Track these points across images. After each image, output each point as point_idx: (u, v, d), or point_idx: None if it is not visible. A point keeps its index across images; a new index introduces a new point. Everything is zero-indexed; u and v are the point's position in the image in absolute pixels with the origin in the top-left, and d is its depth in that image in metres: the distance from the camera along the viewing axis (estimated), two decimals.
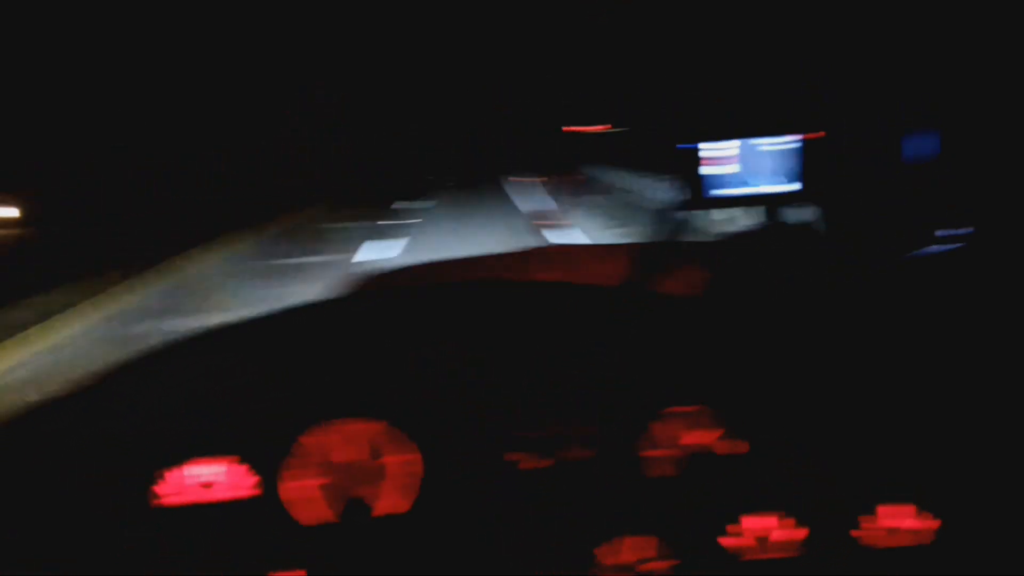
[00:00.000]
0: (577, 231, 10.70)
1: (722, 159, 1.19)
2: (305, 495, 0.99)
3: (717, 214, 1.30)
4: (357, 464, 1.01)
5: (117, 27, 18.20)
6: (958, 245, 1.13)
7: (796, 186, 1.19)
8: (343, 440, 1.01)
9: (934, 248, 1.15)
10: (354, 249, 11.35)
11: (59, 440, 1.00)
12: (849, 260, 1.23)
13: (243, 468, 0.98)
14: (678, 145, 1.18)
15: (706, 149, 1.19)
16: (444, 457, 1.01)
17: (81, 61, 17.05)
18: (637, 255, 1.38)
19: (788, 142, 1.17)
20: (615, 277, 1.36)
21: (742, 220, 1.36)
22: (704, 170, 1.19)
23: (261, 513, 0.98)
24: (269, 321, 1.11)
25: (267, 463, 0.99)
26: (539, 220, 2.97)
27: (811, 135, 1.17)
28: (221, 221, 16.02)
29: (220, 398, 1.04)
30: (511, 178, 19.02)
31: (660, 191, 14.46)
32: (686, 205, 1.22)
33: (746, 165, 1.19)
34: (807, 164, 1.18)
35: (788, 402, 1.01)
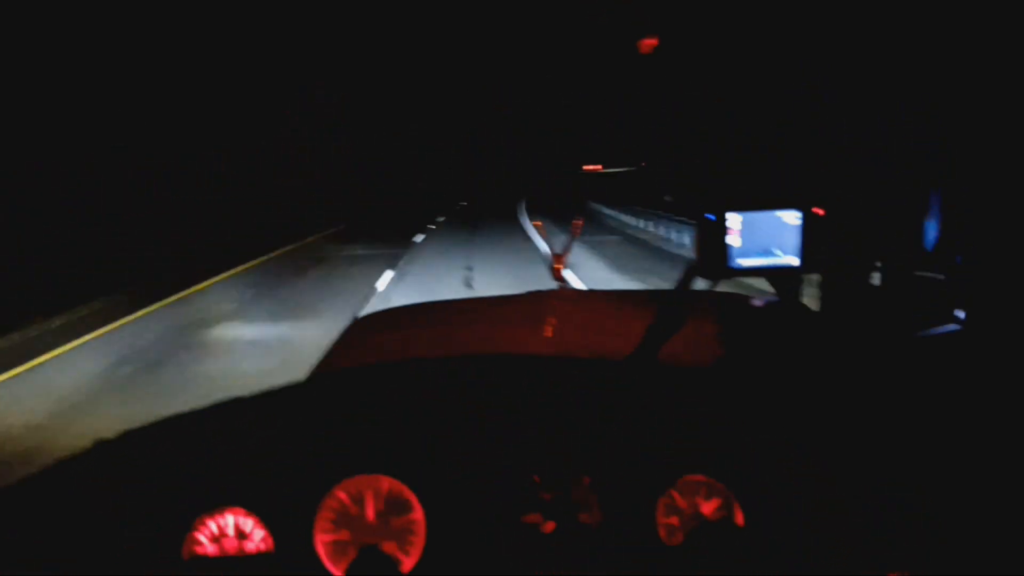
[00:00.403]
0: (592, 271, 10.94)
1: (747, 230, 1.20)
2: (321, 548, 1.05)
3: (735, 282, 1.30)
4: (369, 519, 1.06)
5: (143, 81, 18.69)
6: (967, 325, 1.12)
7: (816, 259, 1.20)
8: (359, 496, 1.07)
9: (949, 327, 1.15)
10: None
11: (101, 484, 1.05)
12: (862, 336, 1.23)
13: (264, 522, 1.05)
14: (705, 214, 1.20)
15: (733, 219, 1.20)
16: (452, 515, 1.05)
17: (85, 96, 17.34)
18: (655, 308, 1.39)
19: (812, 216, 1.19)
20: (629, 328, 1.37)
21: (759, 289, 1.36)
22: (729, 240, 1.21)
23: (284, 565, 1.05)
24: (294, 390, 1.18)
25: (287, 518, 1.05)
26: (555, 258, 2.97)
27: (833, 210, 1.18)
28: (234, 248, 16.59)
29: (247, 457, 1.10)
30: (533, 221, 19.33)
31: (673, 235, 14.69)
32: (709, 274, 1.23)
33: (770, 237, 1.20)
34: (829, 239, 1.19)
35: (795, 476, 1.02)
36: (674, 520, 1.04)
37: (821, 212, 1.20)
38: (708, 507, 1.04)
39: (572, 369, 1.20)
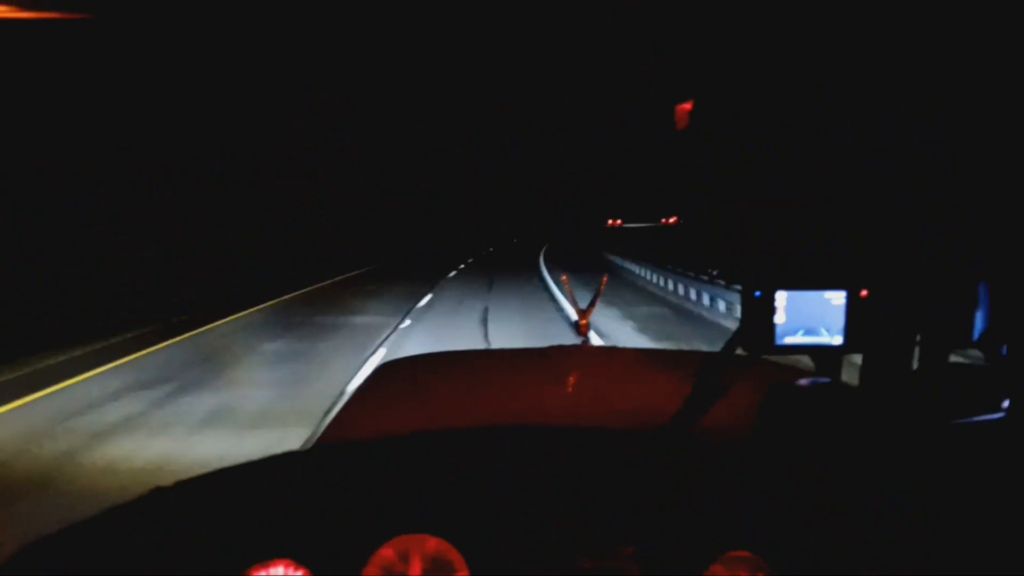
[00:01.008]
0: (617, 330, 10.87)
1: (792, 308, 1.23)
2: None
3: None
4: None
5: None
6: (1011, 416, 1.13)
7: (859, 340, 1.22)
8: (405, 553, 1.08)
9: (992, 416, 1.15)
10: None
11: (153, 532, 1.07)
12: (902, 418, 1.23)
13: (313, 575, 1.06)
14: (754, 293, 1.23)
15: (779, 298, 1.23)
16: None
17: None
18: (681, 370, 1.41)
19: (857, 298, 1.22)
20: (654, 390, 1.38)
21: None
22: (777, 319, 1.23)
23: None
24: (343, 448, 1.25)
25: (338, 572, 1.07)
26: (579, 313, 2.99)
27: (879, 292, 1.21)
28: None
29: (298, 509, 1.12)
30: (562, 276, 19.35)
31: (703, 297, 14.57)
32: (753, 350, 1.26)
33: (815, 316, 1.23)
34: (873, 320, 1.21)
35: (838, 555, 1.01)
36: None
37: (866, 294, 1.22)
38: None
39: (612, 439, 1.22)
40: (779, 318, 1.23)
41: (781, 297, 1.23)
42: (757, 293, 1.23)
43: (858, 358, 1.30)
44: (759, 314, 1.23)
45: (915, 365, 1.25)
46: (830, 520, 1.05)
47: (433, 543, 1.09)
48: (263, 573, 1.08)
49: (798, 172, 1.33)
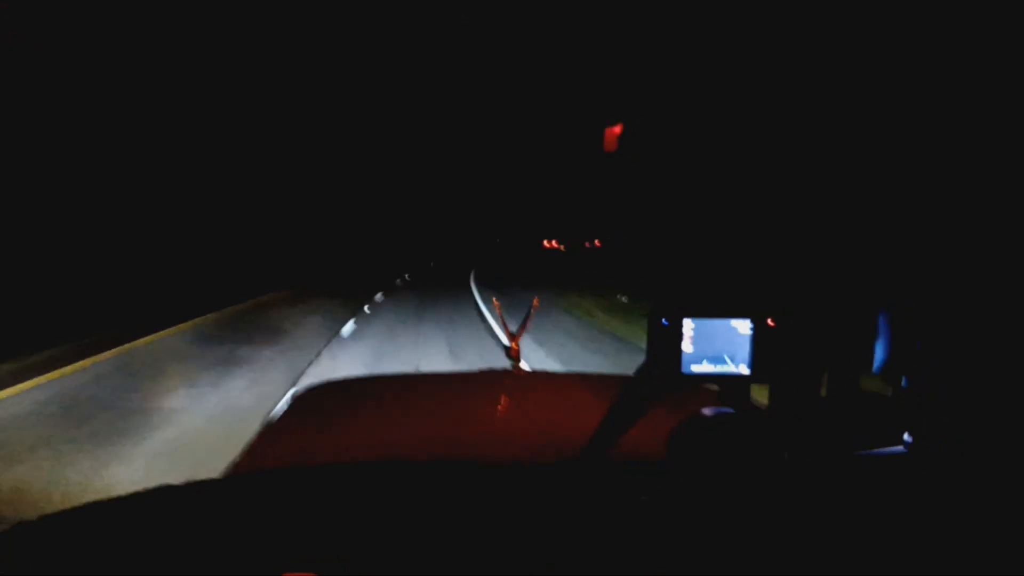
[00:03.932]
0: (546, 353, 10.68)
1: (700, 336, 1.20)
2: None
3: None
4: None
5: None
6: (912, 450, 1.13)
7: (766, 370, 1.21)
8: None
9: (894, 449, 1.14)
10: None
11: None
12: (805, 450, 1.22)
13: None
14: (662, 320, 1.20)
15: (686, 326, 1.20)
16: None
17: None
18: (603, 391, 1.38)
19: (763, 326, 1.20)
20: (582, 415, 1.36)
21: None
22: (685, 347, 1.20)
23: None
24: (228, 482, 1.12)
25: None
26: (510, 337, 2.95)
27: (784, 322, 1.20)
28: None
29: (172, 549, 1.04)
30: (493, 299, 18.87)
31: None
32: (660, 378, 1.23)
33: (722, 345, 1.21)
34: (779, 350, 1.20)
35: None
36: None
37: (772, 323, 1.21)
38: None
39: (517, 473, 1.17)
40: (686, 346, 1.20)
41: (688, 325, 1.20)
42: (664, 321, 1.20)
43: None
44: (666, 342, 1.20)
45: (822, 395, 1.24)
46: (735, 548, 1.02)
47: None
48: None
49: (707, 202, 1.32)
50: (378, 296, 20.00)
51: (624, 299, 16.66)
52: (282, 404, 2.29)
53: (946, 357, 1.05)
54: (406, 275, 30.47)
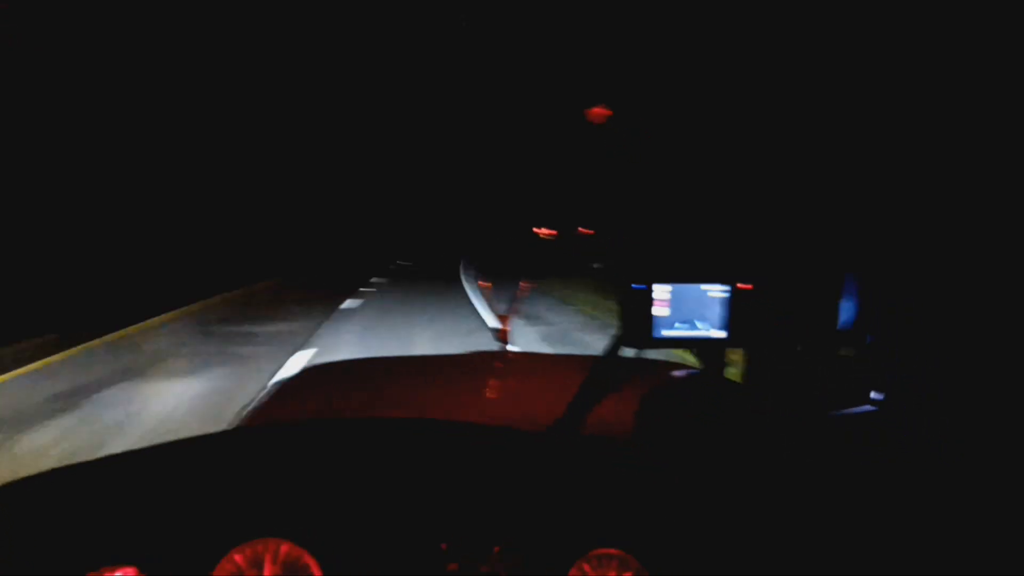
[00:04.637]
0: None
1: (675, 301, 1.22)
2: None
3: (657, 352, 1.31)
4: None
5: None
6: (879, 407, 1.15)
7: (741, 334, 1.22)
8: (256, 559, 1.02)
9: (864, 408, 1.17)
10: None
11: None
12: (779, 412, 1.25)
13: None
14: (632, 284, 1.21)
15: (660, 290, 1.22)
16: None
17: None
18: (588, 372, 1.40)
19: (738, 291, 1.22)
20: (568, 394, 1.37)
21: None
22: (656, 310, 1.22)
23: None
24: (195, 444, 1.13)
25: None
26: (500, 319, 2.97)
27: (758, 285, 1.21)
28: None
29: (140, 512, 1.05)
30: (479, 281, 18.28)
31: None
32: (634, 343, 1.24)
33: (696, 309, 1.22)
34: (754, 314, 1.22)
35: (707, 551, 1.01)
36: None
37: (747, 287, 1.23)
38: None
39: (487, 437, 1.18)
40: (660, 311, 1.22)
41: (662, 290, 1.22)
42: (637, 285, 1.21)
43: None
44: (638, 307, 1.21)
45: (795, 358, 1.26)
46: (703, 517, 1.04)
47: (286, 548, 1.03)
48: None
49: (682, 168, 1.34)
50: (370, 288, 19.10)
51: (597, 267, 17.10)
52: (267, 390, 2.29)
53: (911, 313, 1.08)
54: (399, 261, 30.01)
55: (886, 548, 0.98)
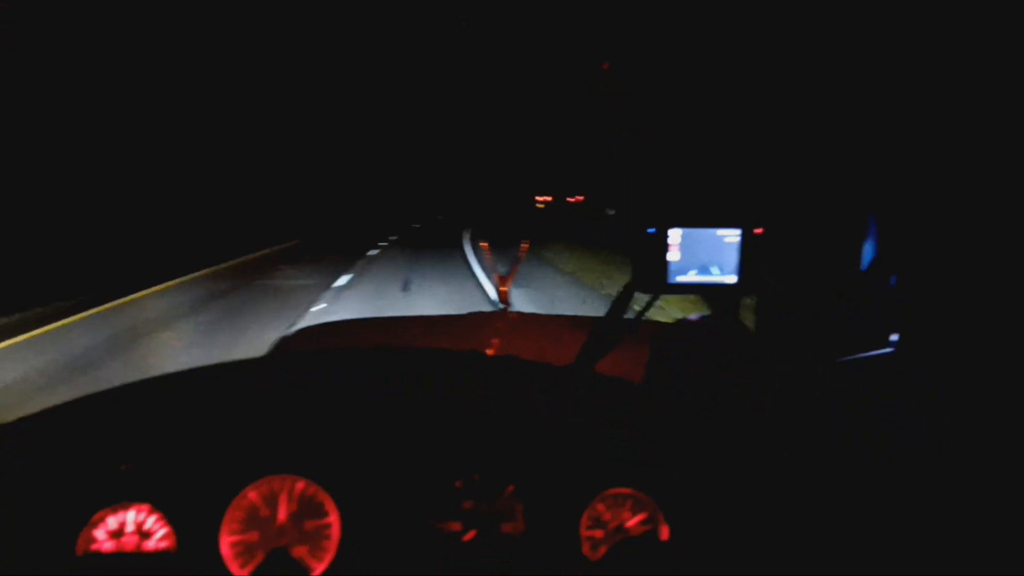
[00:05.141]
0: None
1: (687, 246, 1.19)
2: (227, 549, 0.99)
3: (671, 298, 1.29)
4: (281, 521, 1.00)
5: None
6: (899, 350, 1.13)
7: (754, 279, 1.20)
8: (271, 497, 1.01)
9: (880, 351, 1.14)
10: None
11: None
12: (793, 357, 1.22)
13: (168, 520, 0.98)
14: (646, 229, 1.18)
15: (673, 235, 1.19)
16: (368, 521, 1.00)
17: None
18: (592, 330, 1.38)
19: (751, 235, 1.19)
20: (570, 350, 1.36)
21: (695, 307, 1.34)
22: (669, 255, 1.19)
23: (185, 565, 0.98)
24: (200, 375, 1.10)
25: (193, 516, 0.99)
26: (499, 280, 2.96)
27: (772, 229, 1.19)
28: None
29: (153, 448, 1.03)
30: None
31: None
32: (646, 288, 1.22)
33: (709, 254, 1.20)
34: (767, 258, 1.19)
35: (721, 493, 1.01)
36: (598, 533, 1.01)
37: (760, 231, 1.20)
38: (632, 521, 1.02)
39: (504, 371, 1.16)
40: (673, 256, 1.19)
41: (675, 234, 1.19)
42: (651, 230, 1.18)
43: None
44: (652, 251, 1.19)
45: (809, 304, 1.23)
46: (717, 459, 1.03)
47: (301, 485, 1.01)
48: (112, 519, 0.98)
49: (695, 111, 1.29)
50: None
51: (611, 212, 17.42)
52: (272, 344, 2.28)
53: (934, 256, 1.05)
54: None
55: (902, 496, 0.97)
